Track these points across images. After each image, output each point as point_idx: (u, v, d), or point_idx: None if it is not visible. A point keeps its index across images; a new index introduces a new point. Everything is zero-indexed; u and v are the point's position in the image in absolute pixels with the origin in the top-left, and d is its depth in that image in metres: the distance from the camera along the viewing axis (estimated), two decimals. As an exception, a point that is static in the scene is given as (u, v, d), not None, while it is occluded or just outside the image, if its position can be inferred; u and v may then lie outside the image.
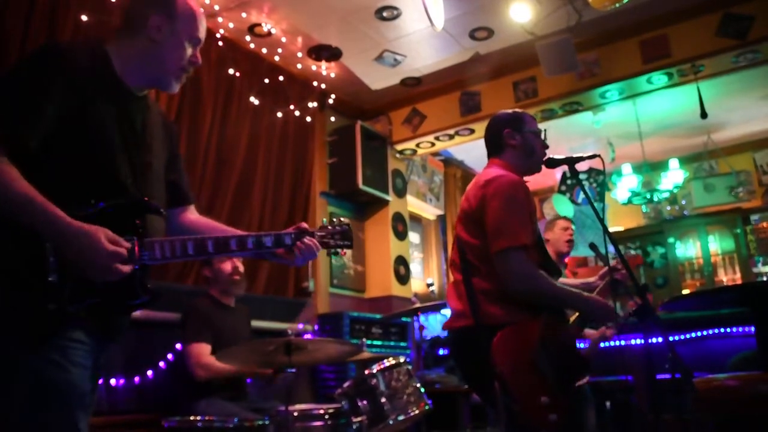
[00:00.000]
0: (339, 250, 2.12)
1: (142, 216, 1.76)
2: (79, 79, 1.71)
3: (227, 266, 3.78)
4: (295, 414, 3.08)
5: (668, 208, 8.87)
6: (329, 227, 2.10)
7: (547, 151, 2.74)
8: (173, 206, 2.03)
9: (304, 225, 2.03)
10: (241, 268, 3.84)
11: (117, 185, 1.75)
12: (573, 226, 4.47)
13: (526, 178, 2.67)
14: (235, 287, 3.81)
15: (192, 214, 2.10)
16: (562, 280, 3.24)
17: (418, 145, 6.65)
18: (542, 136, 2.73)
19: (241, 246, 1.91)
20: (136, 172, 1.81)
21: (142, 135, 1.86)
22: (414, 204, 7.46)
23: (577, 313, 2.65)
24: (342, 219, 2.15)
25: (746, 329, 4.80)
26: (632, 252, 8.72)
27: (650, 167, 7.81)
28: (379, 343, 5.50)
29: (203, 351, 3.50)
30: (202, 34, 1.91)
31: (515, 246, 2.37)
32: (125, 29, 1.87)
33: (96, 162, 1.72)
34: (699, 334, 5.03)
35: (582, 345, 4.10)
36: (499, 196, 2.45)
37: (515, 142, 2.67)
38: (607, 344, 5.35)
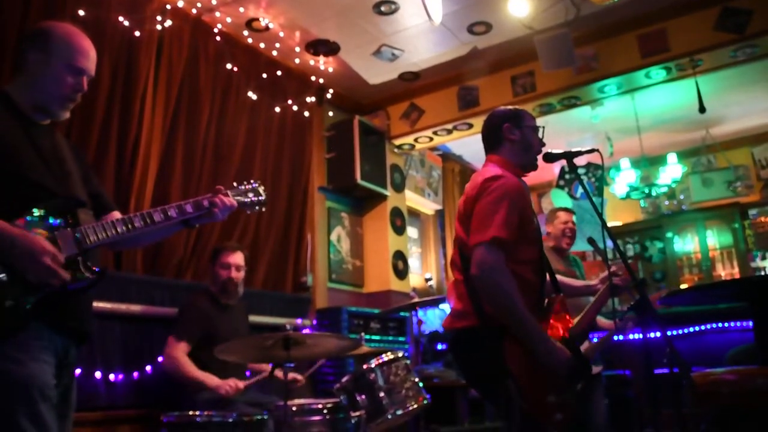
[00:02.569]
0: (257, 206, 2.47)
1: (73, 211, 2.01)
2: None
3: (224, 273, 3.79)
4: (294, 409, 3.08)
5: (666, 202, 8.88)
6: (240, 187, 2.45)
7: (544, 147, 2.73)
8: (100, 216, 2.21)
9: (220, 187, 2.36)
10: (238, 278, 3.84)
11: (44, 192, 1.97)
12: (574, 218, 4.40)
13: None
14: (227, 295, 3.82)
15: (119, 216, 2.27)
16: (564, 280, 3.24)
17: (416, 140, 6.64)
18: (540, 133, 2.72)
19: (166, 216, 2.17)
20: (58, 179, 2.05)
21: (54, 152, 2.11)
22: (412, 199, 7.45)
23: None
24: (252, 180, 2.51)
25: (744, 324, 4.82)
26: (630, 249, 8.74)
27: (648, 162, 7.81)
28: (377, 337, 5.50)
29: (179, 347, 3.55)
30: (82, 63, 2.12)
31: (489, 240, 2.34)
32: (16, 69, 2.15)
33: (22, 176, 1.96)
34: (697, 328, 5.05)
35: (595, 338, 4.11)
36: (490, 194, 2.45)
37: (514, 137, 2.66)
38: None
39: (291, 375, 3.72)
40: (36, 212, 1.92)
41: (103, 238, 2.03)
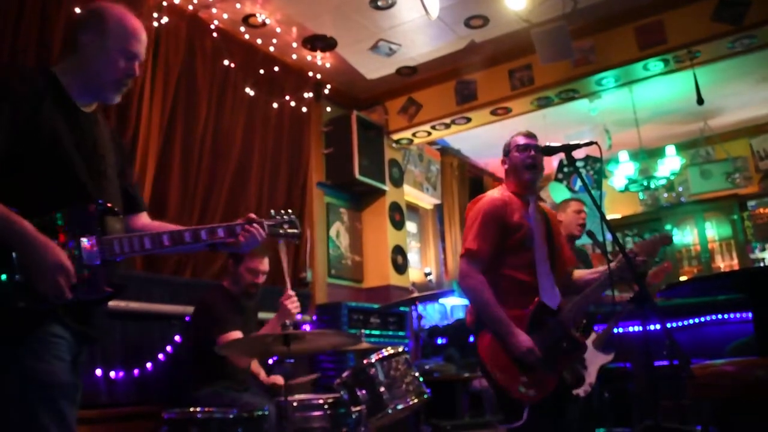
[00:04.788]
0: (291, 238, 2.42)
1: (101, 218, 1.93)
2: (27, 100, 1.87)
3: (249, 278, 3.70)
4: (295, 404, 3.09)
5: (665, 195, 8.88)
6: (277, 217, 2.36)
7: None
8: (128, 213, 2.17)
9: (253, 215, 2.26)
10: (261, 283, 3.77)
11: (78, 190, 1.91)
12: (586, 209, 4.48)
13: None
14: (248, 298, 3.75)
15: (145, 219, 2.27)
16: (579, 272, 3.21)
17: (414, 135, 6.63)
18: (528, 149, 2.96)
19: (195, 238, 2.09)
20: (93, 178, 1.96)
21: (93, 146, 2.01)
22: (411, 193, 7.45)
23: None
24: (289, 210, 2.44)
25: (743, 315, 4.82)
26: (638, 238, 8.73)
27: (647, 154, 7.81)
28: (377, 332, 5.51)
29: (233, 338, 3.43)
30: (136, 48, 2.05)
31: (464, 253, 2.87)
32: (66, 51, 2.10)
33: (57, 170, 1.88)
34: (696, 320, 5.05)
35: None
36: (471, 213, 2.96)
37: (507, 166, 3.04)
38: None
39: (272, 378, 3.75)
40: (62, 215, 1.86)
41: (128, 252, 1.97)
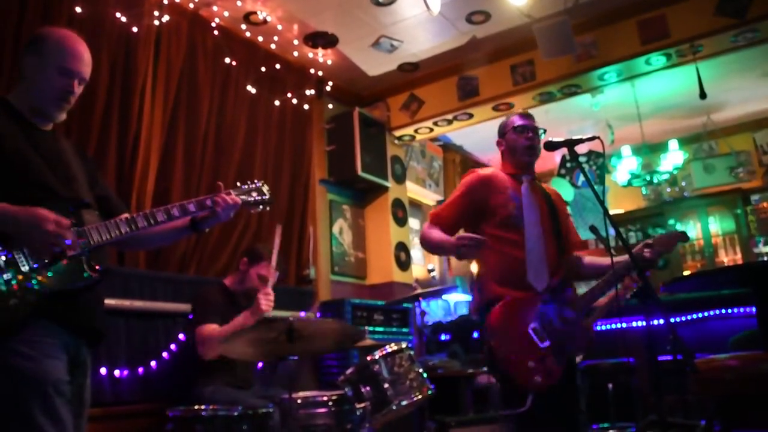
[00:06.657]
0: (261, 205, 2.47)
1: (77, 212, 2.04)
2: None
3: (257, 283, 3.68)
4: (299, 401, 3.09)
5: (668, 189, 8.86)
6: (244, 186, 2.46)
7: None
8: (110, 218, 2.21)
9: (219, 184, 2.37)
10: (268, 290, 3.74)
11: (49, 193, 2.01)
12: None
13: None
14: (248, 300, 3.71)
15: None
16: (591, 259, 3.14)
17: (416, 131, 6.63)
18: (526, 131, 2.97)
19: (168, 215, 2.19)
20: (62, 181, 2.08)
21: (58, 156, 2.15)
22: (413, 190, 7.45)
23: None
24: (255, 180, 2.52)
25: (747, 309, 4.81)
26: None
27: (650, 149, 7.79)
28: (381, 329, 5.51)
29: (207, 329, 3.44)
30: (74, 66, 2.15)
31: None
32: (18, 77, 2.20)
33: (25, 178, 2.00)
34: (700, 315, 5.04)
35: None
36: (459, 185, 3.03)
37: (502, 147, 3.06)
38: (608, 327, 5.37)
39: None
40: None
41: (106, 239, 2.07)
